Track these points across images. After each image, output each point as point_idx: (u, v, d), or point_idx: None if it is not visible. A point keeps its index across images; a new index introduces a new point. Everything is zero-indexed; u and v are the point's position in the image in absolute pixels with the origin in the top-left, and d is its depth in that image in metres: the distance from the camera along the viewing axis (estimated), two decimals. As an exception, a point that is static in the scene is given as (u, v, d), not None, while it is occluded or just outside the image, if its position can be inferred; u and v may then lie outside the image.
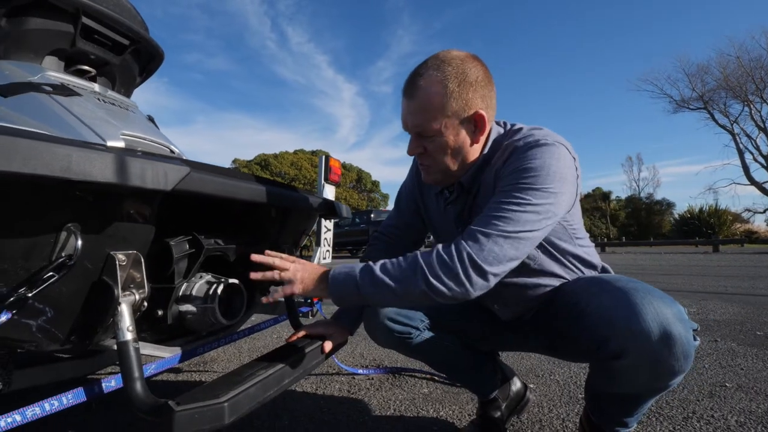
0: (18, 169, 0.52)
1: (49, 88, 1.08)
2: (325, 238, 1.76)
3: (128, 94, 1.47)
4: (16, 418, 0.69)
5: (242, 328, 1.28)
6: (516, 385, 1.29)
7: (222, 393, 0.75)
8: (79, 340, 0.79)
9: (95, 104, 1.16)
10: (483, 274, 0.77)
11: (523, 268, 0.94)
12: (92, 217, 0.70)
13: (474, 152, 0.93)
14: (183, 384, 1.71)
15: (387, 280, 0.80)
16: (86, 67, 1.30)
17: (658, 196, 41.67)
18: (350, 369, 1.74)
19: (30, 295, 0.65)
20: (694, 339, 0.77)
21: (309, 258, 1.59)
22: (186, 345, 1.06)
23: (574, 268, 0.98)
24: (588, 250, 1.01)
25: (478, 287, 0.78)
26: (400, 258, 0.84)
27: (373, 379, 1.70)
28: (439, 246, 0.82)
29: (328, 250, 1.78)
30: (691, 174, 65.75)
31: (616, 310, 0.78)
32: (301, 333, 0.99)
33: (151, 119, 1.44)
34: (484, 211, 0.84)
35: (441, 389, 1.58)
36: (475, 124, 0.89)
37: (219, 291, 0.98)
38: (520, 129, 0.93)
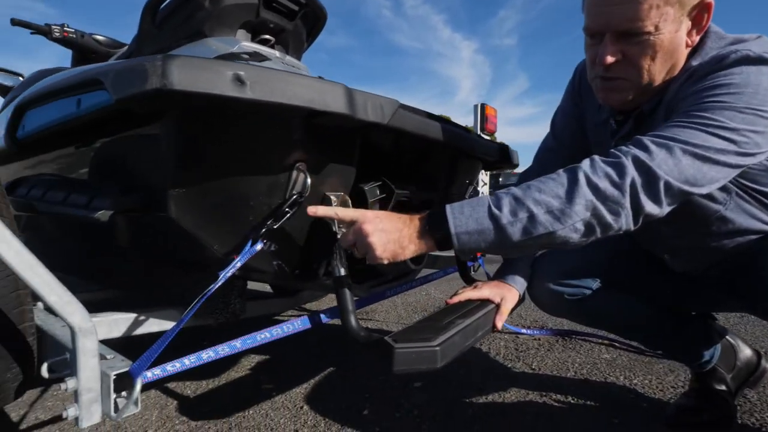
0: (277, 100, 0.55)
1: (246, 56, 1.20)
2: (482, 193, 1.67)
3: (299, 59, 1.57)
4: (266, 335, 0.79)
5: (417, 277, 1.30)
6: (744, 352, 1.05)
7: (432, 337, 0.74)
8: (302, 273, 0.87)
9: (282, 67, 1.25)
10: (654, 179, 0.58)
11: (708, 216, 0.74)
12: (315, 156, 0.75)
13: (683, 59, 0.71)
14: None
15: (537, 195, 0.60)
16: (267, 36, 1.41)
17: None
18: (513, 328, 1.67)
19: (275, 227, 0.72)
20: None
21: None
22: (374, 288, 1.12)
23: None
24: None
25: (645, 197, 0.59)
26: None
27: (539, 339, 1.60)
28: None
29: (485, 205, 1.70)
30: None
31: None
32: (464, 297, 0.89)
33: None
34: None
35: (626, 356, 1.40)
36: (695, 18, 0.68)
37: (407, 236, 0.99)
38: (724, 37, 0.70)
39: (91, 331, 0.60)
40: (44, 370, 0.67)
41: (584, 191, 0.58)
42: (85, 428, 1.11)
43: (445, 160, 1.15)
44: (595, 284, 0.95)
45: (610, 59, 0.69)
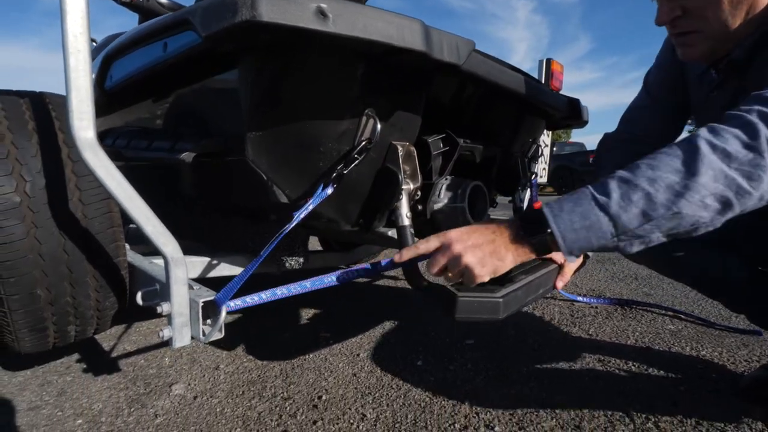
0: (358, 34, 0.55)
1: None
2: (543, 154, 1.60)
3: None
4: (332, 279, 0.82)
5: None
6: None
7: (496, 289, 0.74)
8: (366, 223, 0.89)
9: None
10: None
11: None
12: (385, 102, 0.74)
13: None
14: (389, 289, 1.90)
15: (650, 173, 0.52)
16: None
17: None
18: (568, 295, 1.63)
19: (345, 172, 0.73)
20: None
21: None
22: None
23: None
24: None
25: None
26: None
27: (596, 308, 1.55)
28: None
29: (544, 168, 1.64)
30: None
31: None
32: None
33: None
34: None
35: (693, 328, 1.33)
36: None
37: (468, 191, 0.97)
38: None
39: (182, 261, 0.65)
40: (139, 298, 0.74)
41: (710, 159, 0.50)
42: (167, 358, 1.21)
43: (509, 114, 1.11)
44: None
45: (665, 17, 0.68)
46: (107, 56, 0.90)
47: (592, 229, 0.53)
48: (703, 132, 0.53)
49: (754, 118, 0.51)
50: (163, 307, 0.63)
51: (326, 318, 1.52)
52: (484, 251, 0.58)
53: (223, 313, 0.64)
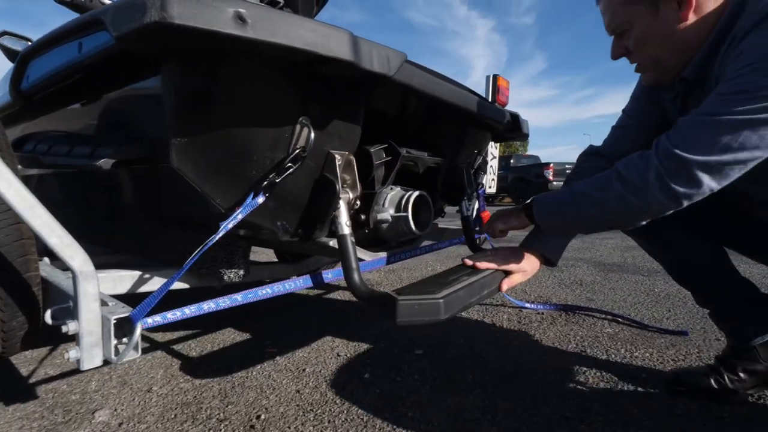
0: (279, 41, 0.54)
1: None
2: (491, 166, 1.65)
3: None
4: (267, 291, 0.79)
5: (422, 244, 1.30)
6: None
7: (436, 291, 0.75)
8: (305, 233, 0.87)
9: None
10: (681, 164, 0.62)
11: None
12: (319, 110, 0.73)
13: (691, 34, 0.72)
14: (342, 303, 1.88)
15: (585, 189, 0.75)
16: (275, -1, 1.38)
17: None
18: (517, 302, 1.67)
19: (277, 180, 0.71)
20: None
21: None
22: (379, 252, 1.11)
23: None
24: None
25: (674, 183, 0.63)
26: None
27: (543, 314, 1.60)
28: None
29: (493, 179, 1.68)
30: None
31: None
32: (481, 263, 0.89)
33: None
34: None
35: (629, 331, 1.40)
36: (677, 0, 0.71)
37: (411, 200, 0.97)
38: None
39: (92, 275, 0.60)
40: (48, 317, 0.68)
41: (614, 185, 0.70)
42: (94, 382, 1.13)
43: (453, 126, 1.13)
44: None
45: (613, 55, 0.83)
46: (24, 56, 0.83)
47: (551, 214, 0.82)
48: (620, 163, 0.71)
49: (652, 150, 0.67)
50: (69, 326, 0.58)
51: (274, 332, 1.47)
52: (501, 216, 0.95)
53: (138, 331, 0.59)
